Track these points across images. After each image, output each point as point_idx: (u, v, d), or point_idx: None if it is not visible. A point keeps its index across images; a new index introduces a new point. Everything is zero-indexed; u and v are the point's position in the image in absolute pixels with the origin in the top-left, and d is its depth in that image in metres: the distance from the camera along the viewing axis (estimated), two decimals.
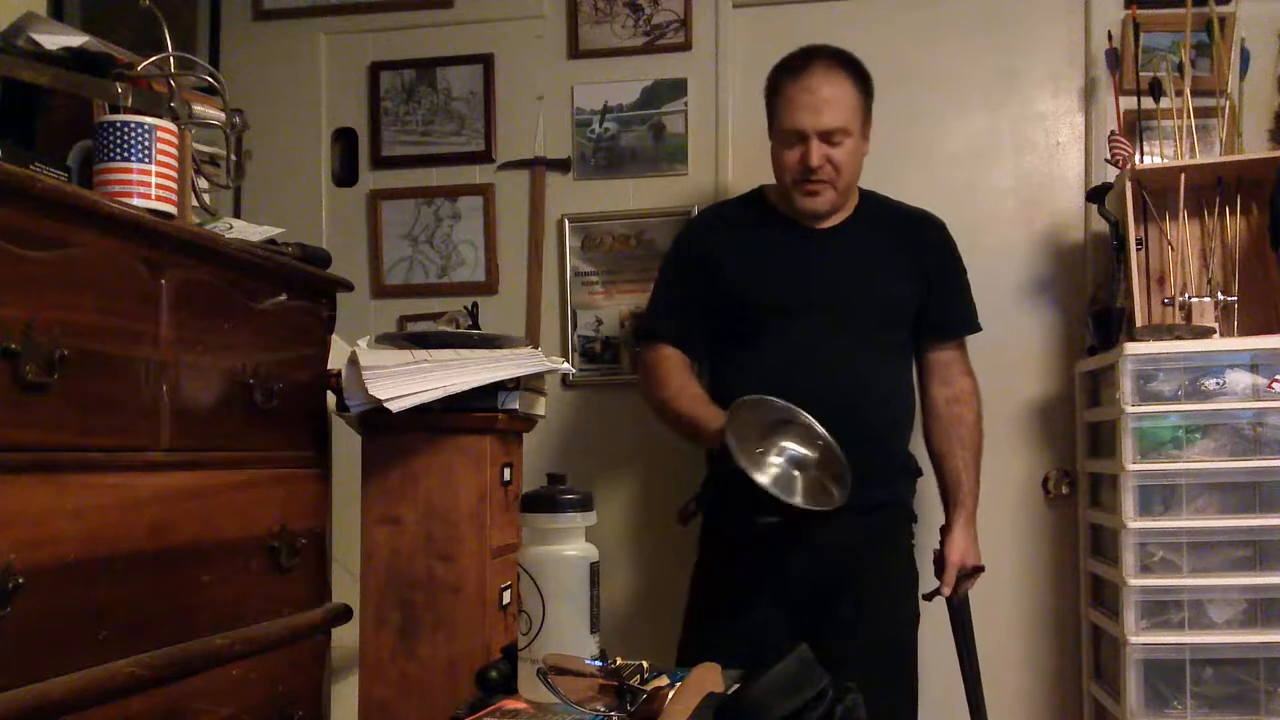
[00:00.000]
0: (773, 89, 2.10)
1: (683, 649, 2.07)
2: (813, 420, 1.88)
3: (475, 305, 2.35)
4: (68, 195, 1.24)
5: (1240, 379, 2.07)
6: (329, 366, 1.81)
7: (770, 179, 2.16)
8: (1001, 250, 2.56)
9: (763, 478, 1.80)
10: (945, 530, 2.16)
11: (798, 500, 1.82)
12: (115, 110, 1.47)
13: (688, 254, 2.19)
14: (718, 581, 2.09)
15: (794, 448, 1.90)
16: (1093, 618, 2.38)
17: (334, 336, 1.85)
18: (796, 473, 1.88)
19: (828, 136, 2.01)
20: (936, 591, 2.14)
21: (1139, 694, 2.06)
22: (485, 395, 1.84)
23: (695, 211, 2.51)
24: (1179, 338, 2.11)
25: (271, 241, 1.71)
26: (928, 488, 2.24)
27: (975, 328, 2.23)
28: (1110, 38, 2.44)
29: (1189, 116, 2.27)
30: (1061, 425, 2.52)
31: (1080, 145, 2.56)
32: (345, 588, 1.91)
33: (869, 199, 2.20)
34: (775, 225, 2.14)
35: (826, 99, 2.01)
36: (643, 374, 2.21)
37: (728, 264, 2.11)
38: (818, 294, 2.07)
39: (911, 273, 2.12)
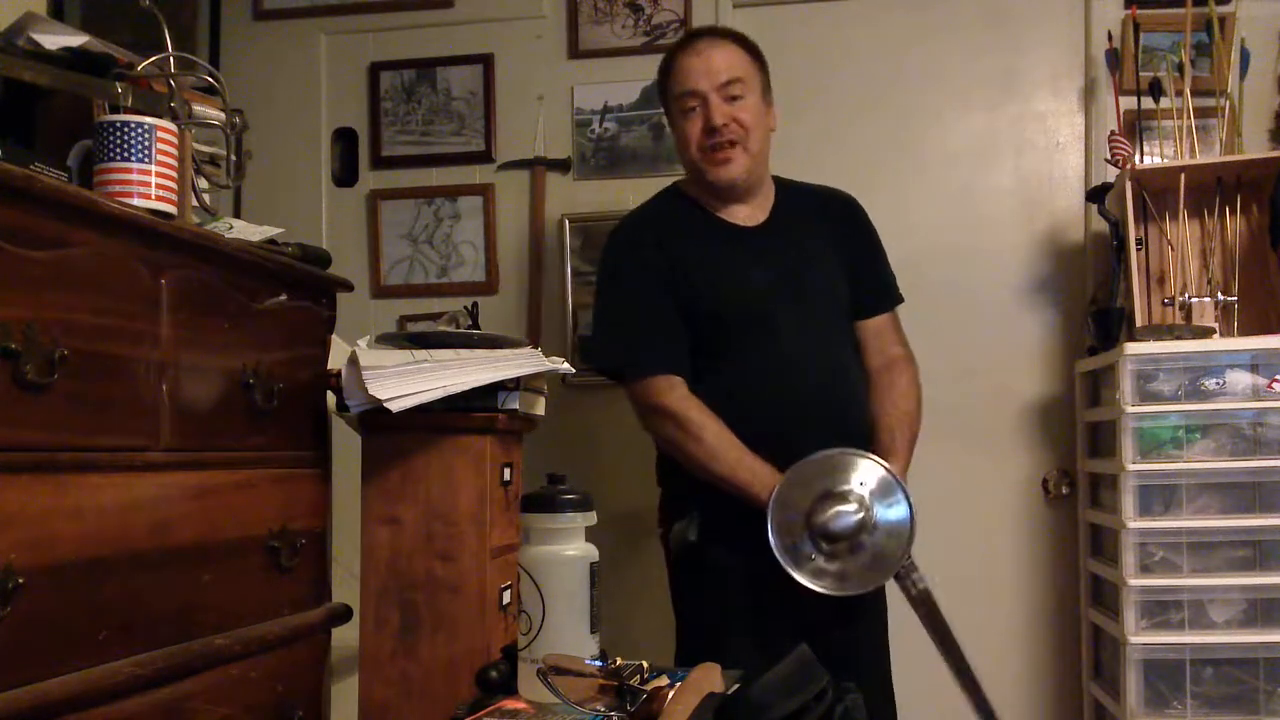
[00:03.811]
0: (664, 72, 2.03)
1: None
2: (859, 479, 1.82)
3: (475, 305, 2.35)
4: (68, 195, 1.24)
5: (1240, 379, 2.07)
6: (329, 366, 1.80)
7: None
8: (1001, 250, 2.56)
9: (801, 577, 1.80)
10: None
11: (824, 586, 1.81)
12: (115, 110, 1.46)
13: (649, 265, 1.99)
14: (708, 624, 2.00)
15: (840, 517, 1.81)
16: (1093, 618, 2.38)
17: (334, 336, 1.85)
18: (828, 565, 1.83)
19: (726, 90, 1.94)
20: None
21: (1139, 694, 2.06)
22: (485, 395, 1.84)
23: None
24: (1179, 338, 2.11)
25: (271, 241, 1.71)
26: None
27: (898, 299, 2.12)
28: (1110, 38, 2.44)
29: (1189, 116, 2.27)
30: (1061, 425, 2.53)
31: (1080, 145, 2.57)
32: (345, 588, 1.91)
33: (783, 187, 2.11)
34: (711, 229, 2.03)
35: (717, 56, 1.96)
36: (658, 420, 1.95)
37: (693, 275, 1.97)
38: (775, 299, 1.97)
39: (839, 258, 2.05)
